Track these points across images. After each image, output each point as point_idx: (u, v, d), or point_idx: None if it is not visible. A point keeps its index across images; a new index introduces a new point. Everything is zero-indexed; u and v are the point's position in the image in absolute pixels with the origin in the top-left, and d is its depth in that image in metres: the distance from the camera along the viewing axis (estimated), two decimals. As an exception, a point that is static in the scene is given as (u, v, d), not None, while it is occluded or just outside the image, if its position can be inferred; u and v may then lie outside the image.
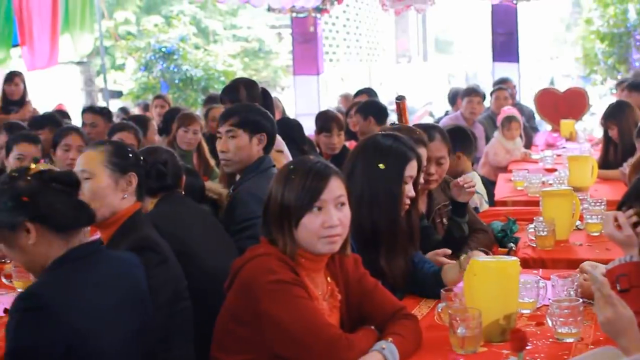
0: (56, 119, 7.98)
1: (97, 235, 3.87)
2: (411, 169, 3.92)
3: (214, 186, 5.31)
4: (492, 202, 6.64)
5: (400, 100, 6.10)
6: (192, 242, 4.11)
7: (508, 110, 9.66)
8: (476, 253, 3.89)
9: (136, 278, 3.28)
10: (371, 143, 3.99)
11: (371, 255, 3.76)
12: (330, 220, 3.09)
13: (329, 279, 3.25)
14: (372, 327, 3.21)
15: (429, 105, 22.14)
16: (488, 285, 3.21)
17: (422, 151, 4.27)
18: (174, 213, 4.24)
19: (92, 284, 3.06)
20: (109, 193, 3.66)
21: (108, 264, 3.20)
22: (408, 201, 3.94)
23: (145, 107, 12.28)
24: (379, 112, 8.26)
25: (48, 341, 2.87)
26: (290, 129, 7.24)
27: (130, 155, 3.80)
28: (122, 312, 3.13)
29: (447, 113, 11.91)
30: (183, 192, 4.50)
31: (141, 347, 3.20)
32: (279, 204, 3.09)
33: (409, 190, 3.93)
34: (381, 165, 3.86)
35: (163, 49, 18.89)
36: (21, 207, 2.98)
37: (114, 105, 15.63)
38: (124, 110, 12.80)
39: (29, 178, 3.02)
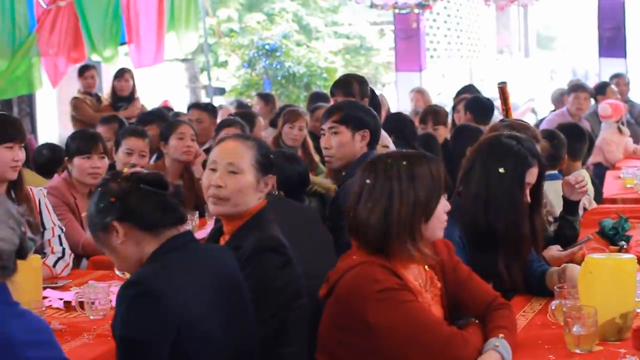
0: (164, 115, 8.13)
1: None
2: (531, 176, 3.83)
3: (323, 181, 5.34)
4: (599, 198, 6.54)
5: (502, 84, 6.07)
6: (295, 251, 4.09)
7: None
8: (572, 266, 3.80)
9: (230, 265, 3.29)
10: (492, 143, 3.93)
11: (488, 258, 3.73)
12: (447, 204, 3.14)
13: (426, 267, 3.22)
14: (476, 321, 3.20)
15: (531, 102, 21.84)
16: (604, 283, 3.16)
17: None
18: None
19: (192, 270, 3.09)
20: (250, 192, 3.61)
21: (203, 252, 3.23)
22: (525, 207, 3.84)
23: (240, 105, 12.33)
24: (479, 108, 8.27)
25: (160, 324, 2.90)
26: (402, 125, 7.24)
27: (271, 156, 3.77)
28: (223, 297, 3.14)
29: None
30: (277, 192, 4.51)
31: (244, 335, 3.21)
32: (412, 204, 3.04)
33: (526, 195, 3.83)
34: (501, 170, 3.78)
35: (266, 46, 19.04)
36: (110, 208, 3.03)
37: (217, 102, 15.80)
38: (220, 107, 12.91)
39: (119, 180, 3.08)
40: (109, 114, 8.55)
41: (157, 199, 3.07)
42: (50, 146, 7.39)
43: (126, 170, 3.15)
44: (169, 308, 2.91)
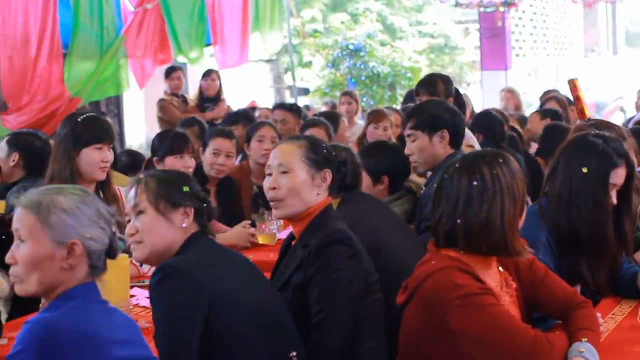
0: (250, 115, 8.18)
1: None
2: (616, 176, 3.71)
3: (419, 180, 5.36)
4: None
5: (573, 79, 6.01)
6: (386, 239, 4.10)
7: None
8: None
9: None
10: (578, 141, 3.84)
11: (570, 259, 3.67)
12: None
13: (500, 268, 3.16)
14: (559, 321, 3.15)
15: (619, 100, 21.46)
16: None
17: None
18: (362, 212, 4.22)
19: (217, 252, 3.32)
20: (305, 189, 3.65)
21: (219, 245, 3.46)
22: (609, 208, 3.75)
23: (333, 106, 12.38)
24: None
25: (192, 299, 3.04)
26: (492, 124, 7.16)
27: (325, 151, 3.78)
28: (248, 273, 3.35)
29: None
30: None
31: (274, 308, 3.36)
32: (516, 200, 3.01)
33: (611, 196, 3.73)
34: (584, 169, 3.70)
35: (350, 46, 19.05)
36: (195, 196, 3.30)
37: (302, 102, 15.87)
38: (307, 107, 12.94)
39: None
40: (189, 117, 8.64)
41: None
42: (128, 152, 7.51)
43: None
44: (195, 282, 3.06)
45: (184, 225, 3.24)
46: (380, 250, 3.89)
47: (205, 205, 3.34)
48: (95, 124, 4.76)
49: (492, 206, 2.96)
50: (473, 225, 2.96)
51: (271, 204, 3.71)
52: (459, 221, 2.98)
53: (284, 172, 3.66)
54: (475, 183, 2.98)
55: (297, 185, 3.65)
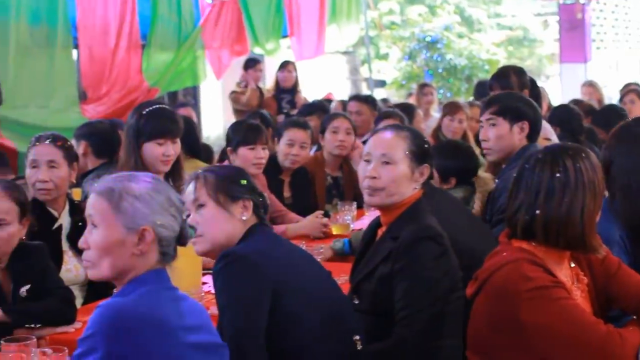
0: (325, 107, 8.20)
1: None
2: None
3: (485, 175, 5.35)
4: None
5: None
6: (461, 233, 4.05)
7: None
8: None
9: None
10: (623, 133, 3.70)
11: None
12: None
13: (572, 264, 3.11)
14: (634, 317, 3.07)
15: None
16: None
17: None
18: (438, 206, 4.16)
19: (277, 242, 3.43)
20: (405, 182, 3.62)
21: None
22: None
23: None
24: None
25: (257, 284, 3.11)
26: (570, 117, 7.07)
27: (426, 146, 3.74)
28: (306, 263, 3.42)
29: None
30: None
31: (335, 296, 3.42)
32: (596, 196, 2.96)
33: None
34: None
35: (427, 38, 18.97)
36: (253, 190, 3.39)
37: (378, 94, 15.84)
38: (385, 101, 12.92)
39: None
40: (253, 111, 8.73)
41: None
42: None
43: None
44: (260, 267, 3.13)
45: (243, 218, 3.32)
46: (456, 245, 3.86)
47: (261, 199, 3.41)
48: (159, 119, 4.74)
49: (574, 200, 2.92)
50: (553, 218, 2.93)
51: (366, 191, 3.67)
52: (538, 212, 2.94)
53: (386, 163, 3.63)
54: (558, 175, 2.94)
55: (398, 178, 3.62)
